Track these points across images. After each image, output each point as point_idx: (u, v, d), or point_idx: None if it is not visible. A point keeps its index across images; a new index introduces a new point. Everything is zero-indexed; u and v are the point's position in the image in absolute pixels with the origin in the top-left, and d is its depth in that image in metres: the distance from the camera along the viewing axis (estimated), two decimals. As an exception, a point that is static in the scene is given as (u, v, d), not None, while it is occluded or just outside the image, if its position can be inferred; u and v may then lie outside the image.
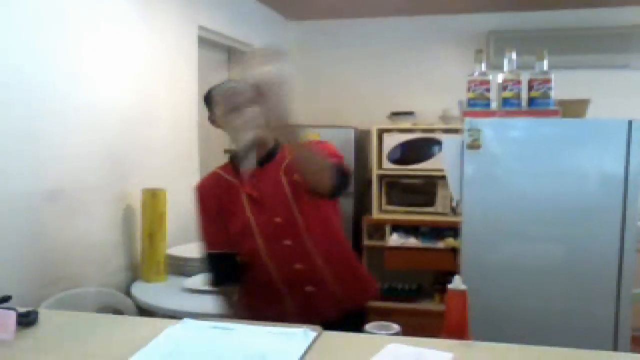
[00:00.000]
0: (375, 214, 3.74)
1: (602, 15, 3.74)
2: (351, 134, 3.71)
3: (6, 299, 1.32)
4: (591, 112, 2.39)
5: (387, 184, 3.75)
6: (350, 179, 1.56)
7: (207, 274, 1.72)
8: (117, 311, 2.25)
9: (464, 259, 2.22)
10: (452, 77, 3.59)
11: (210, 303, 2.13)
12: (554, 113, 2.23)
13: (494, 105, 2.31)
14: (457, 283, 1.27)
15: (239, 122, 1.55)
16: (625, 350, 2.10)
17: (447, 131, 3.58)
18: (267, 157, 1.61)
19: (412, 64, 4.05)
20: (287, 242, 1.57)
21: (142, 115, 2.56)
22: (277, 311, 1.56)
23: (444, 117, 3.69)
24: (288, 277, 1.60)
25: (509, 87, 2.26)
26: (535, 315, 2.17)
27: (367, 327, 1.31)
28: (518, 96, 2.27)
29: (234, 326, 1.26)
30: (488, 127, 2.19)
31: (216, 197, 1.64)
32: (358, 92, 4.12)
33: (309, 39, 4.22)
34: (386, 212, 3.74)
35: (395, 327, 1.30)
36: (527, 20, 3.85)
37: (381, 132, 3.72)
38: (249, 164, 1.62)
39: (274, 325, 1.26)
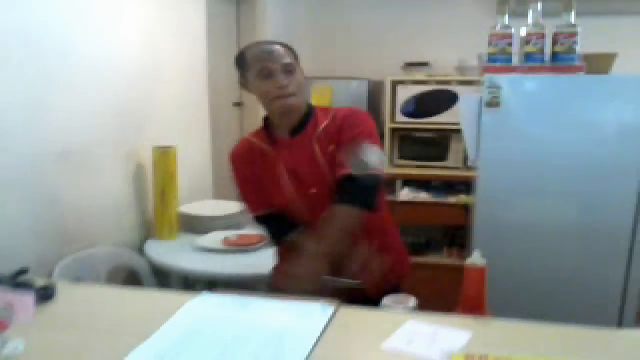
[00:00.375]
0: (387, 168, 3.70)
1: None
2: (364, 86, 3.59)
3: (24, 271, 1.31)
4: (619, 63, 2.27)
5: (399, 137, 3.68)
6: (378, 182, 1.55)
7: (263, 232, 1.72)
8: (131, 270, 2.27)
9: (478, 218, 2.19)
10: (469, 25, 3.44)
11: (222, 262, 2.15)
12: (577, 69, 2.13)
13: (515, 59, 2.21)
14: (475, 258, 1.24)
15: (272, 88, 1.48)
16: (631, 312, 2.12)
17: (463, 83, 3.46)
18: (300, 125, 1.55)
19: (427, 11, 3.86)
20: (325, 214, 1.51)
21: (150, 69, 2.48)
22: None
23: (460, 68, 3.55)
24: None
25: (532, 41, 2.16)
26: (546, 274, 2.17)
27: (385, 300, 1.30)
28: (541, 51, 2.16)
29: (252, 301, 1.26)
30: (508, 84, 2.11)
31: (250, 165, 1.60)
32: (371, 41, 3.96)
33: (321, -15, 4.03)
34: (398, 166, 3.69)
35: (412, 301, 1.30)
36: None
37: (395, 84, 3.61)
38: (282, 132, 1.57)
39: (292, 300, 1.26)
